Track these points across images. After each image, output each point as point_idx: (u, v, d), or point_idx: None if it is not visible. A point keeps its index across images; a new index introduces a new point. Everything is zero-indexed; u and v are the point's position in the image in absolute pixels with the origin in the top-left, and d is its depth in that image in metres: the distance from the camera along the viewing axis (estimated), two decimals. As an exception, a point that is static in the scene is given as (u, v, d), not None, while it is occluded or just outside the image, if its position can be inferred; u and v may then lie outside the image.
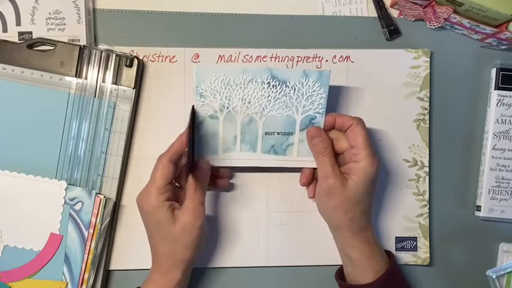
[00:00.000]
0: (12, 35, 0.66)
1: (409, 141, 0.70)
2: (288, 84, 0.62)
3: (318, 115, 0.63)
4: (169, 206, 0.60)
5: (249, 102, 0.63)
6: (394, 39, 0.71)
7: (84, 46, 0.65)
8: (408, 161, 0.70)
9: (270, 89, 0.62)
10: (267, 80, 0.62)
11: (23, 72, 0.65)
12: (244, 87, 0.62)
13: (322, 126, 0.63)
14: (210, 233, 0.67)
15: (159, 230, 0.60)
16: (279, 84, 0.62)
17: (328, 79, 0.62)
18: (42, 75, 0.65)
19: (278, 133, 0.64)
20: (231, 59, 0.69)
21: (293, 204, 0.69)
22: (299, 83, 0.62)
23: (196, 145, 0.63)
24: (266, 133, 0.64)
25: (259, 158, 0.64)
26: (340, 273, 0.65)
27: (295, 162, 0.65)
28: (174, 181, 0.62)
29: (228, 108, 0.63)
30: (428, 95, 0.70)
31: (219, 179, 0.66)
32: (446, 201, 0.71)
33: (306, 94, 0.63)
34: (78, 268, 0.64)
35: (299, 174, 0.66)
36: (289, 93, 0.63)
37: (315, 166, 0.64)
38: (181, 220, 0.59)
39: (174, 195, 0.62)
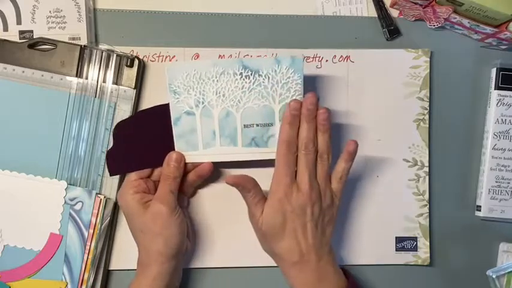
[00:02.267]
0: (13, 34, 0.66)
1: (409, 141, 0.70)
2: (260, 73, 0.61)
3: None
4: (140, 198, 0.61)
5: (223, 95, 0.62)
6: (394, 39, 0.71)
7: (85, 46, 0.65)
8: (408, 161, 0.70)
9: (243, 79, 0.61)
10: (238, 70, 0.61)
11: (23, 72, 0.65)
12: (217, 80, 0.61)
13: None
14: (209, 233, 0.68)
15: (132, 222, 0.62)
16: (251, 74, 0.61)
17: (302, 64, 0.61)
18: (42, 75, 0.65)
19: (257, 125, 0.62)
20: (231, 59, 0.69)
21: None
22: (272, 71, 0.61)
23: (176, 142, 0.63)
24: (245, 126, 0.62)
25: (241, 151, 0.63)
26: None
27: None
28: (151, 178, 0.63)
29: (203, 103, 0.62)
30: (428, 95, 0.70)
31: (199, 168, 0.64)
32: (446, 201, 0.71)
33: (280, 82, 0.61)
34: (78, 268, 0.64)
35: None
36: (263, 82, 0.61)
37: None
38: (151, 208, 0.60)
39: (151, 190, 0.63)
